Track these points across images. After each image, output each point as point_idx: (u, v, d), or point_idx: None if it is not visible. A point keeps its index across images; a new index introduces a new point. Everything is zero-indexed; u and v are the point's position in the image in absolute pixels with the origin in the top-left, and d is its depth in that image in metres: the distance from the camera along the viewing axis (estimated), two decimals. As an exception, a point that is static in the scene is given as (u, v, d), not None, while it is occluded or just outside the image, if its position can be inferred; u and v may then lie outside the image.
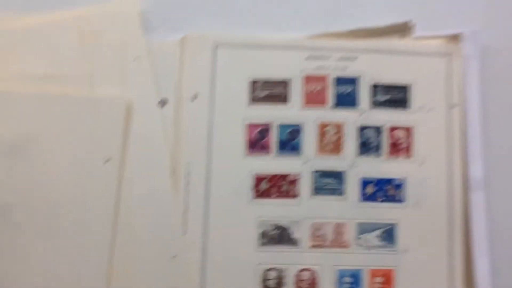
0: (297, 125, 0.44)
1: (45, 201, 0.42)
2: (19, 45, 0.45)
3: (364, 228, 0.44)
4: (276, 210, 0.43)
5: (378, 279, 0.43)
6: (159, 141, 0.43)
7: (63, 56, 0.45)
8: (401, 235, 0.44)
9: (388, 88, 0.45)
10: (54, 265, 0.42)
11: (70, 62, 0.44)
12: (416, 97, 0.45)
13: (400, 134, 0.45)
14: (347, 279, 0.43)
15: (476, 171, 0.45)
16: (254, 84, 0.44)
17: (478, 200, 0.45)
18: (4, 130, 0.43)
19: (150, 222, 0.43)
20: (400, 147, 0.44)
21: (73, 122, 0.43)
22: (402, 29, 0.46)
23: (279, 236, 0.43)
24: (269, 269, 0.43)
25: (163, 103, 0.44)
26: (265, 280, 0.43)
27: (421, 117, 0.45)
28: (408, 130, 0.45)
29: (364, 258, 0.43)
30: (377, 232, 0.43)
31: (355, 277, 0.43)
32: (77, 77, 0.44)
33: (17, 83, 0.44)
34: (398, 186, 0.44)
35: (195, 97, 0.44)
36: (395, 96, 0.45)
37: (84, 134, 0.43)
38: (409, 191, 0.44)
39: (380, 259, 0.43)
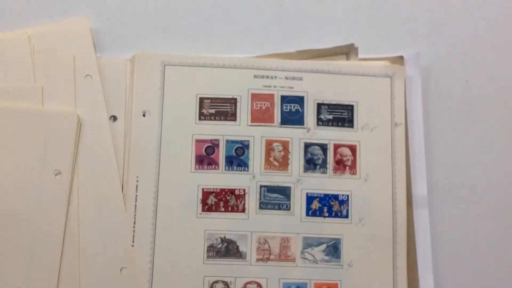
0: (245, 142, 0.60)
1: None
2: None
3: (310, 243, 0.59)
4: (223, 223, 0.58)
5: (323, 292, 0.59)
6: (109, 155, 0.58)
7: (16, 72, 0.58)
8: (346, 249, 0.59)
9: (333, 107, 0.62)
10: (3, 275, 0.55)
11: (22, 77, 0.58)
12: (360, 116, 0.62)
13: (344, 151, 0.62)
14: None
15: (420, 188, 0.61)
16: (202, 101, 0.61)
17: (421, 217, 0.61)
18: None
19: (99, 235, 0.56)
20: (344, 164, 0.61)
21: (24, 135, 0.57)
22: (347, 51, 0.64)
23: (226, 249, 0.58)
24: (216, 281, 0.58)
25: (113, 118, 0.60)
26: None
27: (365, 135, 0.62)
28: (352, 148, 0.61)
29: (310, 271, 0.58)
30: (322, 247, 0.59)
31: None
32: (29, 92, 0.58)
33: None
34: (343, 202, 0.60)
35: (144, 113, 0.60)
36: (339, 115, 0.62)
37: (35, 147, 0.57)
38: (354, 207, 0.60)
39: (325, 272, 0.59)
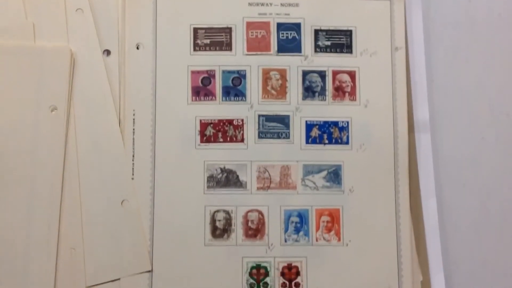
0: (241, 71, 0.61)
1: None
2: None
3: (310, 170, 0.60)
4: (222, 154, 0.59)
5: (325, 218, 0.60)
6: (104, 90, 0.58)
7: (6, 9, 0.58)
8: (347, 175, 0.60)
9: (331, 33, 0.62)
10: (4, 211, 0.56)
11: (13, 14, 0.58)
12: (359, 41, 0.62)
13: (343, 77, 0.62)
14: (294, 219, 0.60)
15: (421, 113, 0.62)
16: (197, 31, 0.61)
17: (423, 142, 0.61)
18: None
19: (98, 169, 0.57)
20: (344, 90, 0.61)
21: (18, 72, 0.57)
22: None
23: (226, 179, 0.59)
24: (217, 211, 0.59)
25: (107, 52, 0.61)
26: (213, 221, 0.59)
27: (364, 61, 0.61)
28: (351, 74, 0.61)
29: (311, 198, 0.59)
30: (323, 173, 0.60)
31: (302, 217, 0.60)
32: (20, 28, 0.58)
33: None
34: (343, 128, 0.61)
35: (138, 46, 0.61)
36: (338, 41, 0.62)
37: (29, 84, 0.57)
38: (354, 133, 0.60)
39: (326, 199, 0.60)
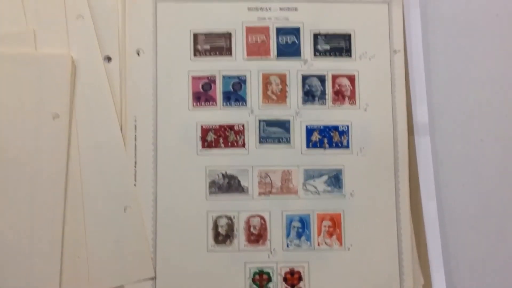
0: (241, 76, 0.61)
1: None
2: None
3: (311, 174, 0.60)
4: (224, 159, 0.59)
5: (326, 223, 0.60)
6: (106, 96, 0.58)
7: (7, 16, 0.58)
8: (348, 179, 0.60)
9: (330, 37, 0.62)
10: (7, 219, 0.56)
11: (14, 21, 0.58)
12: (358, 45, 0.62)
13: (343, 81, 0.62)
14: (296, 224, 0.60)
15: (421, 115, 0.62)
16: (197, 37, 0.61)
17: (423, 144, 0.61)
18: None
19: (101, 176, 0.57)
20: (343, 94, 0.61)
21: (20, 80, 0.57)
22: None
23: (227, 184, 0.59)
24: (219, 216, 0.59)
25: (108, 59, 0.61)
26: (216, 227, 0.59)
27: (364, 64, 0.62)
28: (351, 78, 0.62)
29: (312, 203, 0.59)
30: (324, 178, 0.60)
31: (304, 221, 0.60)
32: (21, 36, 0.58)
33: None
34: (343, 132, 0.61)
35: (138, 52, 0.61)
36: (337, 45, 0.62)
37: (31, 91, 0.57)
38: (354, 136, 0.60)
39: (327, 203, 0.60)
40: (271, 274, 0.56)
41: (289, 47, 0.58)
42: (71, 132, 0.57)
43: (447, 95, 0.61)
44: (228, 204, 0.58)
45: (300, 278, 0.56)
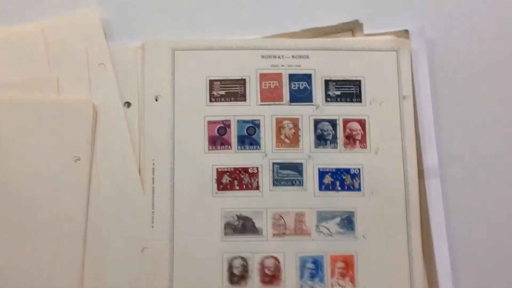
0: (255, 121, 0.63)
1: (19, 201, 0.56)
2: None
3: (324, 216, 0.62)
4: (238, 201, 0.60)
5: (340, 264, 0.61)
6: (125, 140, 0.59)
7: (31, 64, 0.61)
8: (360, 221, 0.61)
9: (341, 83, 0.64)
10: (27, 263, 0.55)
11: (37, 69, 0.61)
12: (368, 91, 0.64)
13: (354, 126, 0.64)
14: (310, 265, 0.61)
15: (430, 159, 0.63)
16: (212, 83, 0.63)
17: (433, 187, 0.63)
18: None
19: (120, 217, 0.58)
20: (355, 138, 0.63)
21: (43, 126, 0.59)
22: (352, 27, 0.66)
23: (242, 226, 0.61)
24: (234, 258, 0.60)
25: (128, 104, 0.63)
26: (230, 268, 0.60)
27: (373, 110, 0.64)
28: (362, 122, 0.63)
29: (325, 244, 0.60)
30: (337, 220, 0.62)
31: (317, 263, 0.61)
32: (45, 83, 0.60)
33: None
34: (354, 175, 0.63)
35: (157, 98, 0.63)
36: (347, 90, 0.64)
37: (54, 136, 0.59)
38: (365, 179, 0.62)
39: (340, 245, 0.61)
40: (285, 315, 0.55)
41: (301, 92, 0.60)
42: (91, 175, 0.59)
43: (456, 139, 0.63)
44: (242, 245, 0.59)
45: (314, 320, 0.56)
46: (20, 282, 0.56)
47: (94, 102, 0.60)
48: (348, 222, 0.59)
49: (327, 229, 0.58)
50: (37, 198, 0.58)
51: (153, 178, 0.58)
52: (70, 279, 0.57)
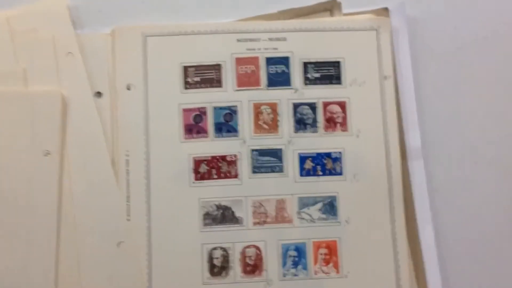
0: (232, 107, 0.61)
1: None
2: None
3: (305, 202, 0.60)
4: (217, 191, 0.59)
5: (323, 250, 0.60)
6: (97, 132, 0.58)
7: None
8: (342, 206, 0.59)
9: (320, 65, 0.62)
10: (1, 257, 0.54)
11: (4, 60, 0.59)
12: (348, 72, 0.62)
13: (334, 108, 0.62)
14: (292, 253, 0.59)
15: (413, 140, 0.62)
16: (187, 69, 0.61)
17: (417, 169, 0.61)
18: None
19: (94, 212, 0.56)
20: (335, 121, 0.61)
21: (11, 118, 0.57)
22: (330, 7, 0.63)
23: (221, 216, 0.59)
24: (214, 248, 0.59)
25: (98, 94, 0.61)
26: (211, 259, 0.58)
27: (354, 91, 0.62)
28: (342, 105, 0.62)
29: (307, 231, 0.59)
30: (319, 205, 0.60)
31: (300, 250, 0.59)
32: (11, 74, 0.58)
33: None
34: (336, 159, 0.61)
35: (129, 87, 0.61)
36: (327, 72, 0.62)
37: (22, 129, 0.57)
38: (347, 163, 0.60)
39: (323, 231, 0.59)
40: (268, 306, 0.54)
41: (279, 76, 0.59)
42: (63, 169, 0.57)
43: (439, 119, 0.61)
44: (222, 235, 0.57)
45: (298, 309, 0.54)
46: (-7, 280, 0.52)
47: (63, 93, 0.58)
48: (330, 207, 0.58)
49: (309, 215, 0.57)
50: (7, 194, 0.56)
51: (128, 170, 0.56)
52: (44, 276, 0.55)
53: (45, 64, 0.59)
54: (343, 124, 0.59)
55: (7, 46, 0.59)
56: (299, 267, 0.56)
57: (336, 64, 0.60)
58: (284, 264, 0.56)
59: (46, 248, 0.56)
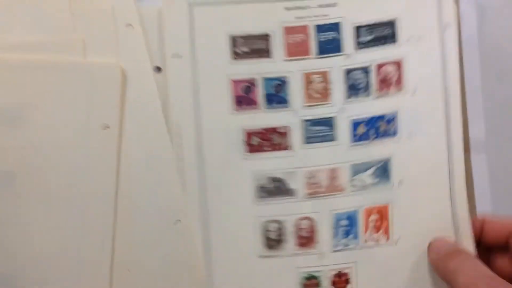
0: (282, 78, 0.59)
1: (46, 169, 0.52)
2: (8, 12, 0.57)
3: (358, 169, 0.58)
4: (270, 163, 0.58)
5: (373, 217, 0.59)
6: (155, 107, 0.57)
7: (54, 24, 0.54)
8: (395, 168, 0.57)
9: (373, 27, 0.59)
10: (56, 233, 0.52)
11: (62, 29, 0.54)
12: (403, 29, 0.57)
13: (389, 69, 0.58)
14: (343, 222, 0.58)
15: (475, 95, 0.58)
16: (235, 40, 0.59)
17: (478, 127, 0.58)
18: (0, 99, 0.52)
19: (151, 187, 0.57)
20: (389, 81, 0.58)
21: (69, 90, 0.53)
22: None
23: (275, 188, 0.59)
24: (269, 221, 0.59)
25: (158, 69, 0.60)
26: (266, 232, 0.59)
27: (410, 48, 0.57)
28: (397, 64, 0.58)
29: (359, 198, 0.58)
30: (371, 170, 0.59)
31: (351, 219, 0.58)
32: (69, 44, 0.54)
33: (9, 52, 0.53)
34: (390, 120, 0.57)
35: (177, 57, 0.59)
36: (380, 34, 0.59)
37: (81, 102, 0.53)
38: (402, 123, 0.57)
39: (374, 197, 0.58)
40: (320, 279, 0.55)
41: (329, 43, 0.57)
42: (121, 144, 0.57)
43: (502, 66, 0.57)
44: (276, 207, 0.58)
45: (347, 281, 0.56)
46: (49, 254, 0.53)
47: (123, 66, 0.57)
48: (383, 170, 0.58)
49: (362, 181, 0.57)
50: (64, 166, 0.53)
51: (182, 144, 0.56)
52: (100, 253, 0.54)
53: (104, 35, 0.57)
54: (398, 83, 0.57)
55: (66, 16, 0.57)
56: (350, 236, 0.57)
57: (390, 24, 0.57)
58: (336, 234, 0.57)
59: (102, 223, 0.54)
